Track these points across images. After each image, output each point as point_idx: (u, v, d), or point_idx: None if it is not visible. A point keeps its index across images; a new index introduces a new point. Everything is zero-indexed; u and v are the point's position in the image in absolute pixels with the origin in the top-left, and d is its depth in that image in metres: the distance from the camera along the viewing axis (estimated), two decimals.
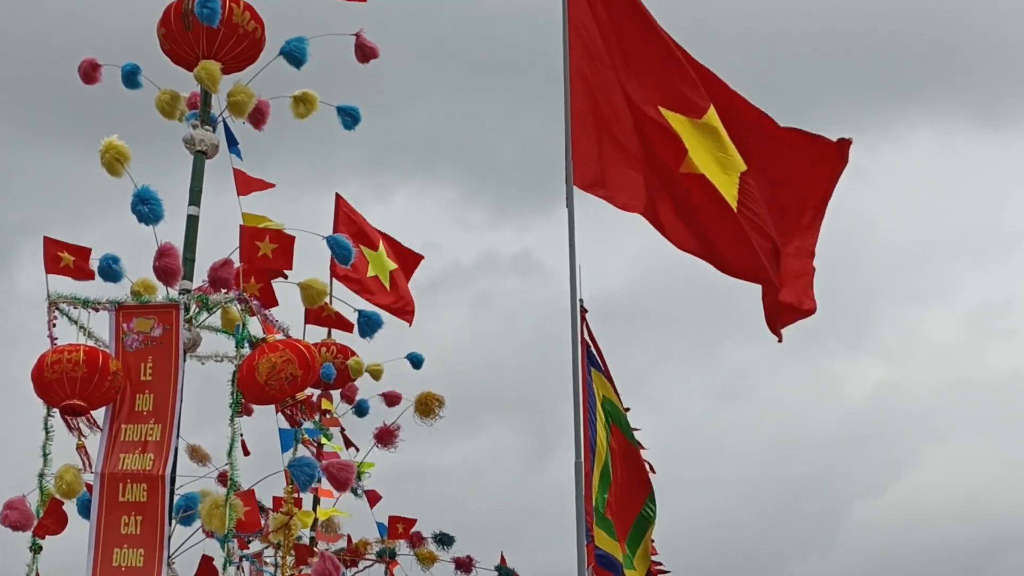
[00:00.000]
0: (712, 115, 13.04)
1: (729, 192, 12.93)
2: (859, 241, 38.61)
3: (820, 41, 38.03)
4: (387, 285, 15.45)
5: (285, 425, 12.44)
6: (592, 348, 13.93)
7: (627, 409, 14.44)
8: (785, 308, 13.02)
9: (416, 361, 14.93)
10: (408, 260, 16.09)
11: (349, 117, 11.29)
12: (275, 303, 10.46)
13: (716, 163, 12.92)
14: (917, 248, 42.02)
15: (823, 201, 13.32)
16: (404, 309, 15.84)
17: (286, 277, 10.34)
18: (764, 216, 12.97)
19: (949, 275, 42.34)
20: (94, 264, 10.22)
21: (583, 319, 13.30)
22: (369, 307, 13.97)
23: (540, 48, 12.95)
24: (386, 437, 14.56)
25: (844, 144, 13.22)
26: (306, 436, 12.24)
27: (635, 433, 14.50)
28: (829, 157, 13.27)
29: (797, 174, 13.23)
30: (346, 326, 13.23)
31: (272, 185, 11.74)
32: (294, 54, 10.84)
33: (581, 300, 12.96)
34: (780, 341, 13.03)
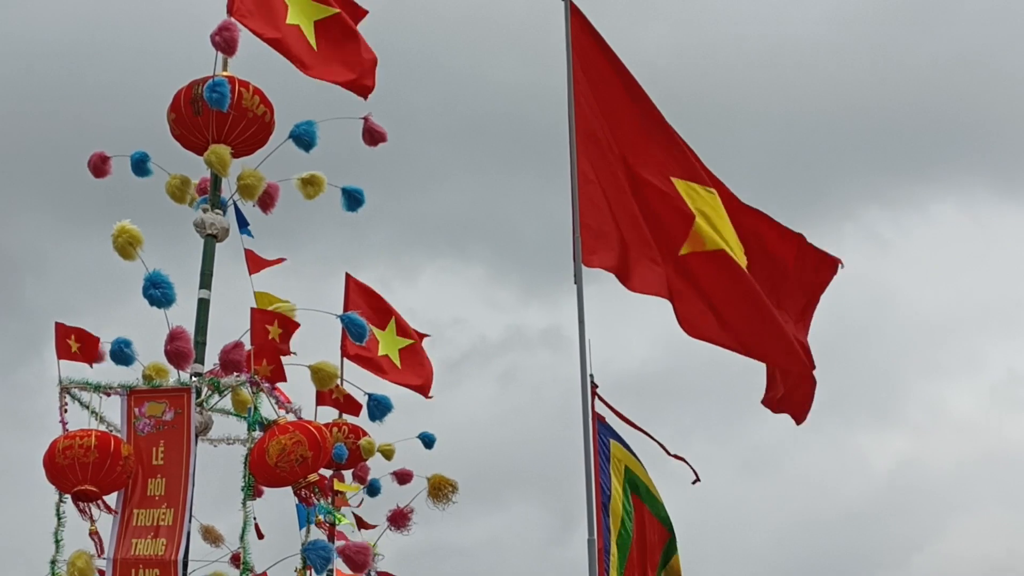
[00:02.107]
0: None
1: (743, 261, 13.09)
2: (884, 313, 38.65)
3: (843, 114, 38.24)
4: (398, 363, 15.46)
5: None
6: (604, 422, 13.91)
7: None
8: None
9: (428, 441, 14.88)
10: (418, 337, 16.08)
11: (353, 199, 11.34)
12: (283, 379, 10.47)
13: (730, 235, 13.06)
14: (942, 320, 41.91)
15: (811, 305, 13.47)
16: (419, 385, 15.82)
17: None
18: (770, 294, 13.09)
19: (974, 347, 42.20)
20: (105, 349, 10.26)
21: (594, 394, 13.32)
22: (381, 387, 14.01)
23: (563, 127, 13.10)
24: (399, 520, 14.48)
25: (832, 261, 13.44)
26: (320, 517, 12.22)
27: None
28: (820, 266, 13.46)
29: (788, 272, 13.39)
30: (354, 409, 13.23)
31: (281, 260, 11.79)
32: (303, 137, 10.89)
33: (592, 376, 13.00)
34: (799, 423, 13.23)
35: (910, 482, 36.18)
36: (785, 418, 13.54)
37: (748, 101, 35.32)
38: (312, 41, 11.36)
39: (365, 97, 11.47)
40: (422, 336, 16.10)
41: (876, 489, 35.79)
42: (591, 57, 13.35)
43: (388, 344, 15.47)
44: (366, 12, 11.81)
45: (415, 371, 15.73)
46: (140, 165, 11.05)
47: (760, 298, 13.06)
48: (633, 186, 13.11)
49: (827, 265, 13.49)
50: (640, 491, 14.24)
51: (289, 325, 10.09)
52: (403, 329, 15.74)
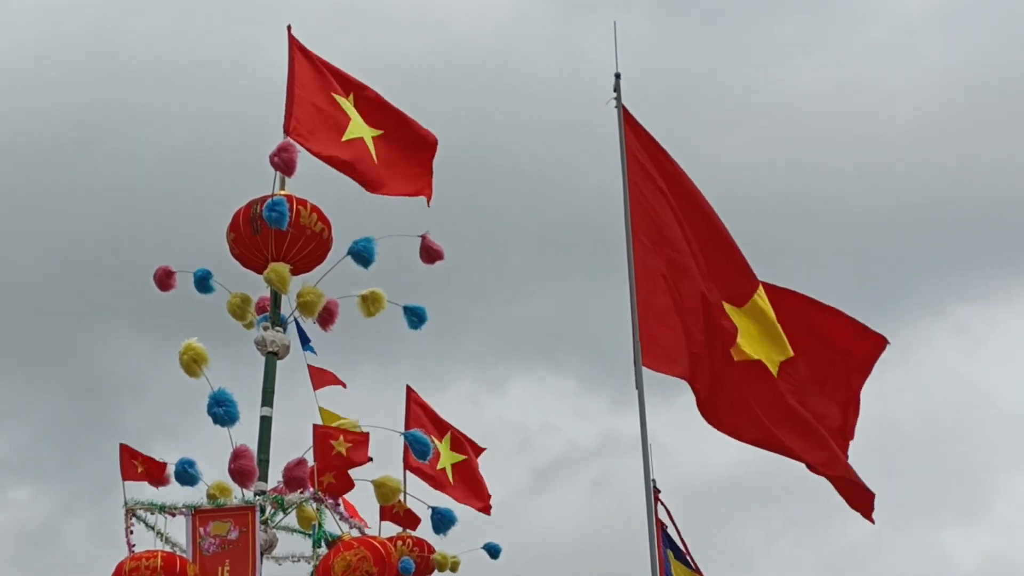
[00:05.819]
0: (760, 295, 13.25)
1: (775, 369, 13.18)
2: (973, 409, 38.22)
3: (930, 210, 38.09)
4: (451, 478, 15.38)
5: None
6: (668, 530, 13.82)
7: None
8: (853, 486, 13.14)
9: (493, 551, 14.77)
10: (474, 451, 16.03)
11: (415, 317, 11.35)
12: (351, 485, 10.43)
13: (761, 348, 13.13)
14: None
15: (856, 396, 13.42)
16: (476, 499, 15.75)
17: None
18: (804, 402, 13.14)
19: None
20: (171, 471, 10.33)
21: (657, 499, 13.25)
22: (443, 501, 13.96)
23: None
24: None
25: (879, 341, 13.36)
26: None
27: None
28: (865, 347, 13.41)
29: (834, 361, 13.36)
30: (413, 523, 13.17)
31: (343, 384, 11.81)
32: (361, 254, 10.93)
33: (654, 480, 12.95)
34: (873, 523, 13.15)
35: None
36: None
37: (834, 200, 35.34)
38: (373, 154, 11.46)
39: (428, 202, 11.56)
40: (479, 451, 16.02)
41: None
42: (644, 162, 13.46)
43: (444, 458, 15.44)
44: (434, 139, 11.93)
45: (470, 487, 15.64)
46: (203, 282, 11.14)
47: (790, 403, 13.16)
48: (683, 291, 13.20)
49: (873, 342, 13.45)
50: None
51: (358, 437, 10.05)
52: (457, 444, 15.71)
